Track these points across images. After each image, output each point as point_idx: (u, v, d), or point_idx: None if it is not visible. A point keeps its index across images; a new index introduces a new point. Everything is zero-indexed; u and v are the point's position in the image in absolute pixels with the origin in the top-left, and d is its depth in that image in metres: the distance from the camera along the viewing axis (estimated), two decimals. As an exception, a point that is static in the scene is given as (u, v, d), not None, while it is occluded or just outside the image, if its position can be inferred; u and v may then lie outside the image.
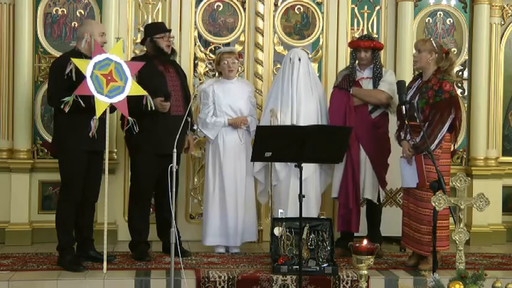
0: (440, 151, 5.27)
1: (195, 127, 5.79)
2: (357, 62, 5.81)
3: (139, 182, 5.58)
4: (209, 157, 5.83)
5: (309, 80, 5.84)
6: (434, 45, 5.36)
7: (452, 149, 5.57)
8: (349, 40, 6.51)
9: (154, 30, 5.62)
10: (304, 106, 5.75)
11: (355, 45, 5.80)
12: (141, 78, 5.30)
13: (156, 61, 5.57)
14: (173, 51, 5.70)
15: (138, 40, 6.35)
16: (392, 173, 5.80)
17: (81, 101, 4.92)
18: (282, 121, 5.70)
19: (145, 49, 6.01)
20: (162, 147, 5.37)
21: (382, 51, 6.01)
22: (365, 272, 3.85)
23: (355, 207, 5.72)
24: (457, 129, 5.37)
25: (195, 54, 6.50)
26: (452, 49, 6.65)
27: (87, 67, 4.95)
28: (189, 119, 5.49)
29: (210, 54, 6.55)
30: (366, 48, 5.72)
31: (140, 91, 5.18)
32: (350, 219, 5.73)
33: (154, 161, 5.43)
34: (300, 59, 5.83)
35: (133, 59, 5.93)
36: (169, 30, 5.70)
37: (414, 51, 5.48)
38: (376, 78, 5.72)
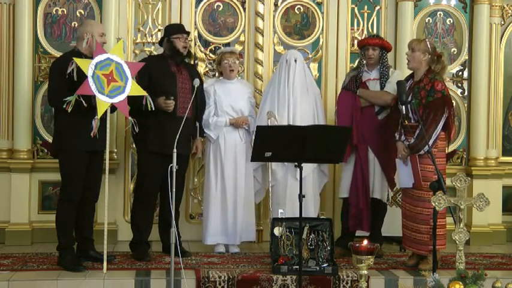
0: (436, 150, 5.28)
1: (207, 130, 5.79)
2: (364, 62, 5.79)
3: (144, 181, 5.59)
4: (210, 157, 5.84)
5: (305, 80, 5.87)
6: (429, 46, 5.37)
7: (447, 148, 5.58)
8: (349, 40, 6.53)
9: (172, 31, 5.64)
10: (300, 107, 5.79)
11: (364, 43, 5.81)
12: (152, 77, 5.35)
13: (170, 61, 5.59)
14: (189, 53, 5.71)
15: (138, 40, 6.37)
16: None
17: (83, 101, 4.92)
18: (278, 122, 5.72)
19: (145, 49, 6.03)
20: (166, 147, 5.37)
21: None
22: (365, 272, 3.85)
23: (366, 207, 5.73)
24: (451, 127, 5.38)
25: (195, 54, 6.49)
26: (452, 49, 6.67)
27: (88, 67, 4.96)
28: (197, 124, 5.50)
29: (210, 54, 6.54)
30: (374, 46, 5.73)
31: (140, 91, 5.18)
32: (361, 218, 5.74)
33: (159, 160, 5.43)
34: (295, 60, 5.86)
35: (149, 57, 5.95)
36: (188, 33, 5.71)
37: (407, 50, 5.48)
38: (383, 79, 5.73)
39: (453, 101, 5.66)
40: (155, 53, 6.21)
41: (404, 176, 5.38)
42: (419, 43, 5.41)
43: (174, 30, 5.66)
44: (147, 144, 5.49)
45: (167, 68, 5.55)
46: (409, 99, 5.28)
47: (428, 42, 5.41)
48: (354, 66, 6.37)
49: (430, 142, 5.19)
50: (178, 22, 6.29)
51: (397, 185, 5.68)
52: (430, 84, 5.28)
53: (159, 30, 6.35)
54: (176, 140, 4.71)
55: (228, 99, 5.80)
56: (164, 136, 5.42)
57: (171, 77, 5.54)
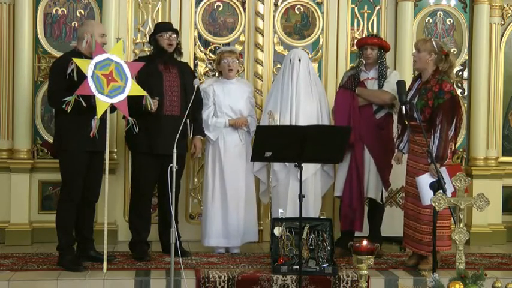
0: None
1: (206, 131, 5.76)
2: (362, 61, 5.79)
3: (138, 181, 5.60)
4: (209, 158, 5.83)
5: (309, 80, 5.83)
6: (435, 46, 5.34)
7: (453, 147, 5.58)
8: (349, 40, 6.52)
9: (156, 29, 5.64)
10: (304, 107, 5.74)
11: (362, 43, 5.80)
12: (139, 77, 5.31)
13: (158, 60, 5.57)
14: (177, 50, 5.67)
15: (138, 40, 6.37)
16: (392, 173, 5.80)
17: (82, 101, 4.92)
18: (281, 122, 5.69)
19: (145, 49, 6.03)
20: (155, 147, 5.37)
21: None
22: (365, 272, 3.85)
23: (359, 206, 5.72)
24: (458, 128, 5.37)
25: (195, 54, 6.49)
26: (452, 49, 6.65)
27: (88, 67, 4.96)
28: (188, 121, 5.48)
29: (210, 54, 6.54)
30: (372, 46, 5.72)
31: (140, 91, 5.18)
32: (354, 218, 5.73)
33: (151, 160, 5.43)
34: (300, 60, 5.82)
35: (138, 59, 5.93)
36: (174, 30, 5.67)
37: (414, 50, 5.48)
38: (381, 78, 5.72)
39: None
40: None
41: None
42: (424, 43, 5.38)
43: (158, 28, 5.64)
44: (137, 144, 5.49)
45: (154, 68, 5.52)
46: (416, 99, 5.27)
47: (434, 42, 5.38)
48: (354, 65, 6.36)
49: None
50: (180, 21, 6.30)
51: (400, 184, 5.67)
52: (437, 85, 5.24)
53: (159, 30, 6.35)
54: (176, 140, 4.69)
55: (227, 100, 5.78)
56: (151, 136, 5.41)
57: (157, 76, 5.51)
